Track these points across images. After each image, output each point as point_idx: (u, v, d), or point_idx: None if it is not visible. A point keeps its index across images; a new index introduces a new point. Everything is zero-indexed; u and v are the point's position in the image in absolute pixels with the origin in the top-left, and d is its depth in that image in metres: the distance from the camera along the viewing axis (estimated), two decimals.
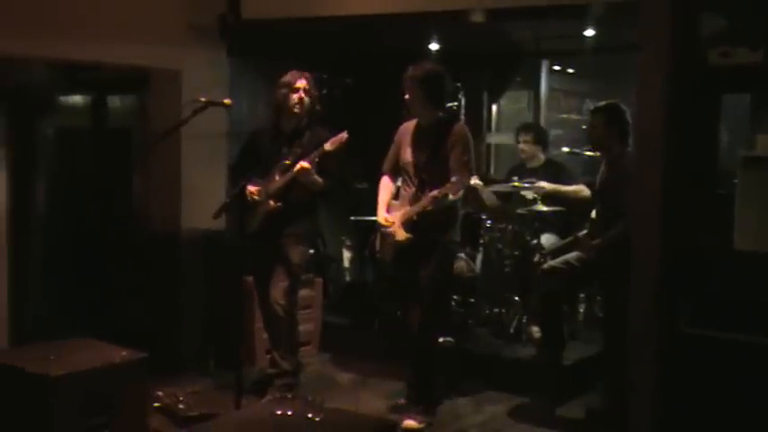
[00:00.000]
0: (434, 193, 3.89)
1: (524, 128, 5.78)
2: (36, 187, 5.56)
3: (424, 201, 3.94)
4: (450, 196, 3.89)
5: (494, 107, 7.06)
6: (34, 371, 3.42)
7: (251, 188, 4.48)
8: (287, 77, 4.48)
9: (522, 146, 5.63)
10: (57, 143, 5.70)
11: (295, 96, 4.42)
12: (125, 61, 4.91)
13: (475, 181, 5.41)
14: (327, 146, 4.24)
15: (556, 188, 5.25)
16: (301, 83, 4.46)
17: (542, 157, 5.59)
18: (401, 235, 4.03)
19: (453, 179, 3.86)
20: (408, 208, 4.07)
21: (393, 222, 4.09)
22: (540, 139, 5.63)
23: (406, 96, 4.07)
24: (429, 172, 4.02)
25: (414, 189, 4.07)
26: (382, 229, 4.17)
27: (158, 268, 5.27)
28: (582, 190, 5.22)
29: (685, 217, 2.87)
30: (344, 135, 4.23)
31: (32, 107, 5.46)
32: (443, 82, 4.11)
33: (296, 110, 4.44)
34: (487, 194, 5.43)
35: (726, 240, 2.78)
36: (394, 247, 4.08)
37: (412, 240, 4.02)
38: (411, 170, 4.11)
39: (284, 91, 4.46)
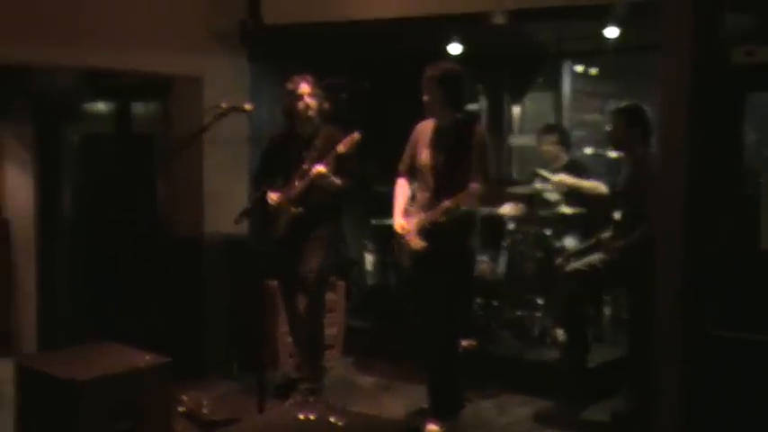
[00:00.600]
0: (447, 203, 3.83)
1: (547, 129, 5.75)
2: (62, 193, 5.63)
3: (437, 211, 3.89)
4: (463, 207, 3.84)
5: (515, 109, 7.02)
6: (61, 376, 3.46)
7: (272, 195, 4.50)
8: (289, 85, 4.51)
9: (545, 147, 5.60)
10: (82, 149, 5.77)
11: (301, 103, 4.45)
12: (148, 68, 4.95)
13: (505, 210, 5.42)
14: (340, 147, 4.25)
15: (575, 182, 5.22)
16: (303, 88, 4.48)
17: (565, 157, 5.56)
18: (417, 244, 3.96)
19: (470, 187, 3.80)
20: (423, 215, 4.00)
21: (409, 230, 4.02)
22: (563, 139, 5.60)
23: (425, 97, 4.03)
24: (445, 175, 3.95)
25: (429, 195, 4.00)
26: (399, 237, 4.11)
27: (181, 273, 5.30)
28: (598, 186, 5.18)
29: (710, 218, 2.84)
30: (356, 135, 4.25)
31: (58, 114, 5.53)
32: (462, 82, 4.03)
33: (305, 115, 4.47)
34: (514, 207, 5.42)
35: (752, 241, 2.75)
36: (410, 254, 4.02)
37: (428, 248, 3.95)
38: (427, 172, 4.04)
39: (289, 99, 4.49)
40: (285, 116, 4.59)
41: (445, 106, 4.01)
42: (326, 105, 4.56)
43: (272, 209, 4.49)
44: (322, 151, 4.36)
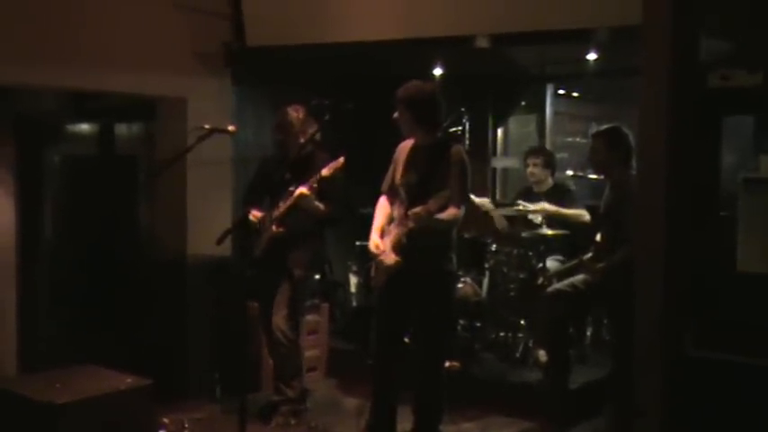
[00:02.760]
0: (416, 209, 3.75)
1: (534, 151, 5.78)
2: (43, 214, 5.60)
3: (409, 219, 3.80)
4: (434, 213, 3.75)
5: (499, 131, 7.08)
6: (40, 399, 3.43)
7: (255, 214, 4.52)
8: (279, 115, 4.61)
9: (531, 169, 5.62)
10: (64, 171, 5.74)
11: (288, 132, 4.54)
12: (131, 90, 4.95)
13: (488, 206, 5.43)
14: (324, 171, 4.27)
15: (557, 210, 5.25)
16: (277, 120, 4.58)
17: (551, 181, 5.60)
18: (390, 259, 3.87)
19: (449, 206, 3.78)
20: (398, 231, 3.93)
21: (383, 249, 3.94)
22: (550, 162, 5.63)
23: (395, 116, 3.99)
24: (419, 194, 3.86)
25: (403, 212, 3.90)
26: (374, 256, 4.03)
27: (164, 294, 5.28)
28: (583, 215, 5.23)
29: (689, 240, 2.87)
30: (341, 160, 4.27)
31: (40, 135, 5.51)
32: (433, 102, 3.97)
33: (293, 142, 4.53)
34: (498, 218, 5.43)
35: (729, 262, 2.78)
36: (386, 272, 3.92)
37: (404, 266, 3.85)
38: (403, 191, 4.00)
39: (282, 121, 4.58)
40: (275, 140, 4.64)
41: (417, 127, 3.97)
42: (315, 130, 4.59)
43: (256, 229, 4.50)
44: (308, 174, 4.38)
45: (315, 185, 4.31)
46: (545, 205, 5.24)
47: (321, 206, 4.39)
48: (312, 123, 4.57)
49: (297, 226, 4.45)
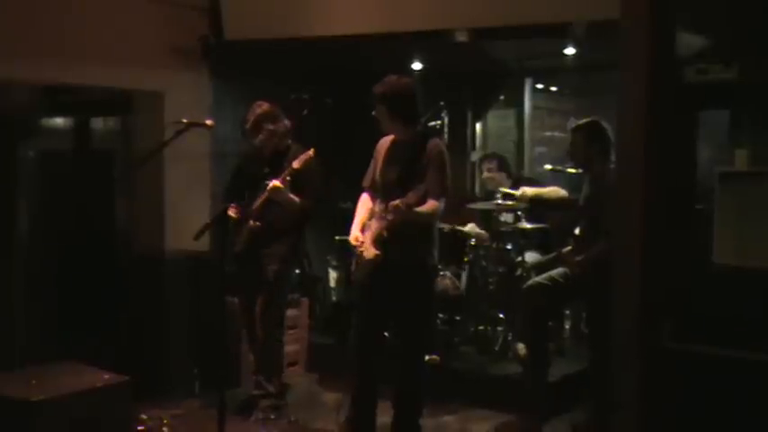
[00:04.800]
0: (395, 202, 3.74)
1: (487, 157, 5.88)
2: (18, 210, 5.53)
3: (388, 213, 3.80)
4: (413, 206, 3.75)
5: (478, 125, 7.09)
6: (16, 396, 3.39)
7: (232, 209, 4.50)
8: (248, 113, 4.56)
9: (486, 174, 5.74)
10: (38, 166, 5.68)
11: (254, 132, 4.51)
12: (107, 83, 4.90)
13: (476, 231, 5.45)
14: (295, 164, 4.30)
15: (536, 191, 5.27)
16: (248, 118, 4.53)
17: (507, 183, 5.64)
18: (370, 252, 3.88)
19: (429, 199, 3.79)
20: (378, 225, 3.94)
21: (363, 242, 3.96)
22: (503, 166, 5.72)
23: (374, 113, 4.00)
24: (399, 188, 3.86)
25: (383, 207, 3.91)
26: (354, 249, 4.05)
27: (142, 290, 5.25)
28: (558, 190, 5.24)
29: (666, 233, 2.89)
30: (310, 152, 4.32)
31: (13, 130, 5.44)
32: (409, 96, 3.97)
33: (260, 141, 4.52)
34: (477, 234, 5.46)
35: (705, 255, 2.80)
36: (367, 267, 3.92)
37: (384, 259, 3.86)
38: (382, 186, 4.00)
39: (246, 126, 4.57)
40: (245, 136, 4.63)
41: (394, 122, 3.98)
42: (286, 124, 4.59)
43: (236, 224, 4.49)
44: (284, 167, 4.39)
45: (288, 178, 4.33)
46: (525, 189, 5.25)
47: (296, 199, 4.39)
48: (282, 117, 4.58)
49: (274, 220, 4.45)
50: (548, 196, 5.25)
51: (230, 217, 4.47)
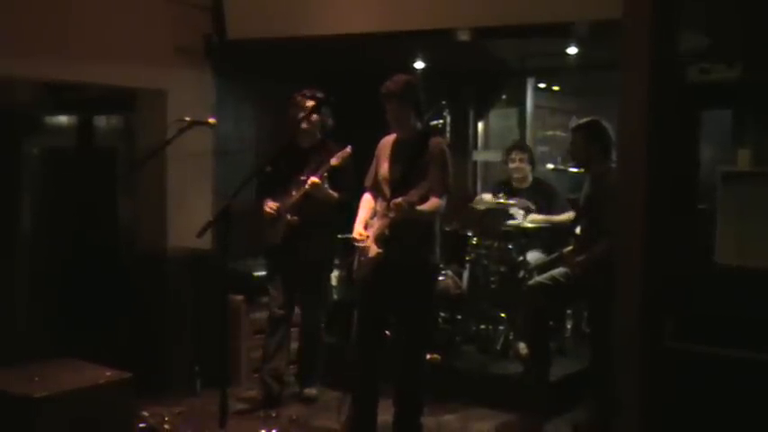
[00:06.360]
0: (397, 199, 3.77)
1: (518, 146, 5.73)
2: (21, 207, 5.54)
3: (391, 211, 3.81)
4: (415, 204, 3.77)
5: (480, 124, 7.09)
6: (18, 392, 3.40)
7: (270, 204, 4.62)
8: (297, 97, 4.61)
9: (517, 164, 5.57)
10: (42, 163, 5.69)
11: (304, 117, 4.50)
12: (111, 82, 4.91)
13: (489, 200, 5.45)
14: (333, 160, 4.40)
15: (547, 218, 5.30)
16: (309, 103, 4.55)
17: (531, 177, 5.61)
18: (373, 251, 3.89)
19: (431, 196, 3.81)
20: (380, 223, 3.94)
21: (367, 237, 3.97)
22: (532, 158, 5.64)
23: (387, 112, 4.00)
24: (402, 187, 3.88)
25: (386, 204, 3.91)
26: (356, 244, 4.04)
27: (145, 287, 5.25)
28: (570, 218, 5.19)
29: (668, 232, 2.89)
30: (348, 149, 4.41)
31: (17, 127, 5.45)
32: (419, 91, 4.02)
33: (308, 129, 4.60)
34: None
35: (707, 254, 2.81)
36: (369, 265, 3.93)
37: (386, 258, 3.87)
38: (385, 185, 4.01)
39: (294, 110, 4.58)
40: (288, 126, 4.65)
41: (405, 116, 3.99)
42: (330, 121, 4.72)
43: (271, 218, 4.61)
44: (319, 163, 4.49)
45: (326, 174, 4.43)
46: (535, 216, 5.28)
47: (334, 194, 4.50)
48: (328, 115, 4.71)
49: (311, 214, 4.53)
50: (558, 224, 5.28)
51: (268, 211, 4.58)
